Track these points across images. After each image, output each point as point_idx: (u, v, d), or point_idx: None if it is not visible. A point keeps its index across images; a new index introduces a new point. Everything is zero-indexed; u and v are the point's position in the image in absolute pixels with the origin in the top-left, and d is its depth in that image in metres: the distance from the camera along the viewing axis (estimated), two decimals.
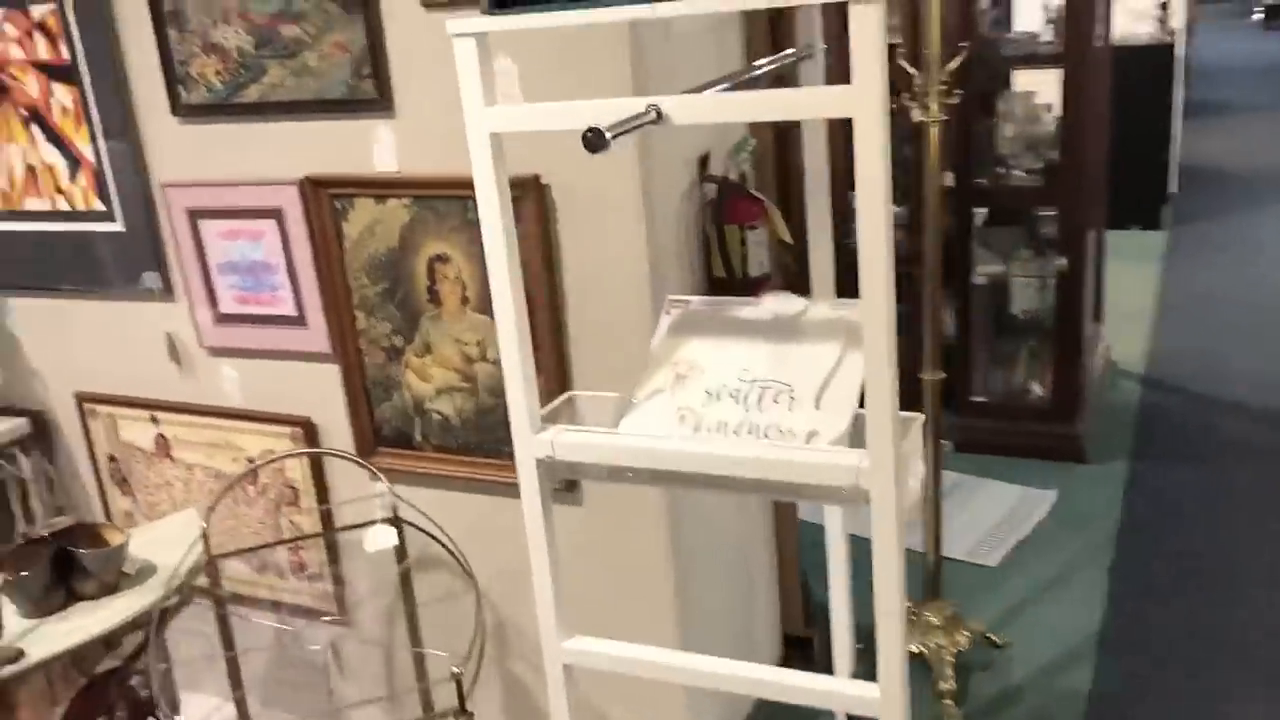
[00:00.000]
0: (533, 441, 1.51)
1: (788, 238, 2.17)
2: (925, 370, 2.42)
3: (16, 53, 2.29)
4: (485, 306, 2.05)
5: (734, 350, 1.57)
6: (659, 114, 1.27)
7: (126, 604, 1.89)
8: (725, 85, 1.44)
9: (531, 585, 1.58)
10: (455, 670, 1.55)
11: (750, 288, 2.13)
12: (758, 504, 2.50)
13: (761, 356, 1.55)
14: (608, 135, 1.17)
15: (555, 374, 2.01)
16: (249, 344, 2.29)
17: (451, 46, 1.34)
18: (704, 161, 2.11)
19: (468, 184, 1.72)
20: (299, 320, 2.22)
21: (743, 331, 1.58)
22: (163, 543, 2.04)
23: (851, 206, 1.23)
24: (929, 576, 2.58)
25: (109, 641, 1.90)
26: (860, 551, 1.60)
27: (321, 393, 2.25)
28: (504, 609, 2.22)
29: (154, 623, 1.86)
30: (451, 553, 2.02)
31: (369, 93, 2.00)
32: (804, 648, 2.65)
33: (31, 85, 2.31)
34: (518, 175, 1.90)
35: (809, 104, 1.23)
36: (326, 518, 2.33)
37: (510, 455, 1.54)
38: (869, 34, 1.15)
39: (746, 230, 2.10)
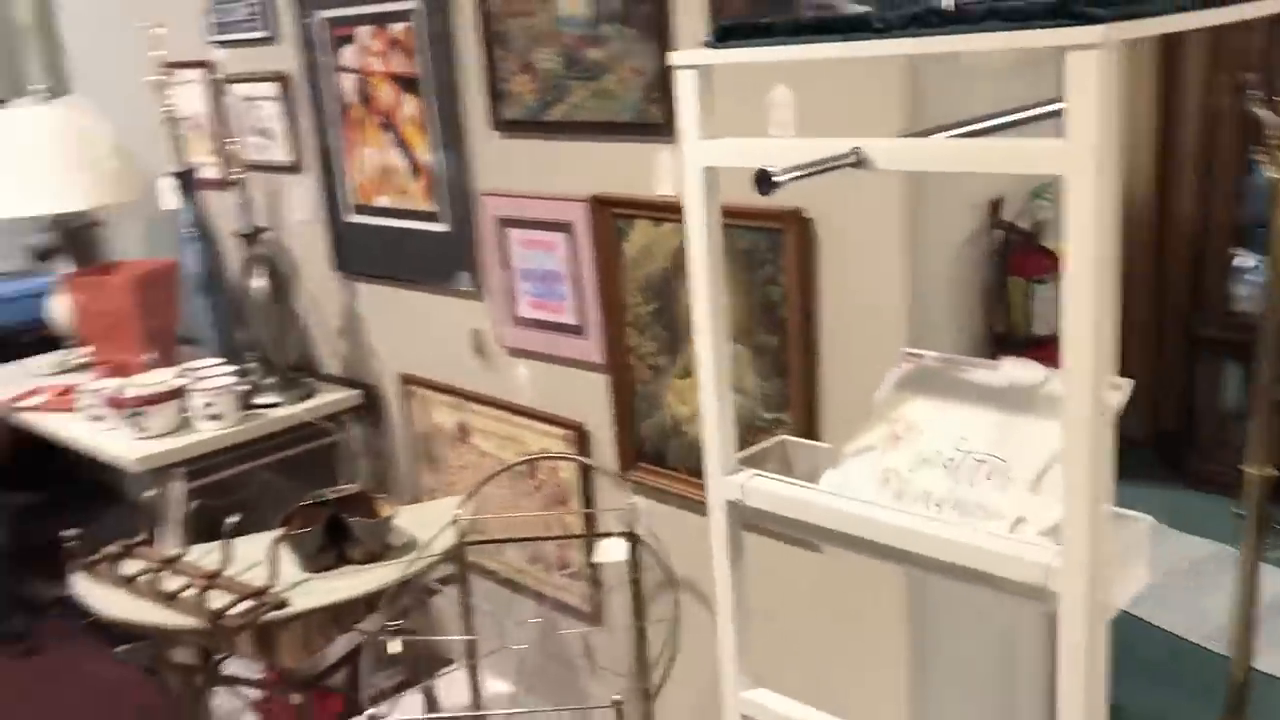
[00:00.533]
0: (723, 483, 1.47)
1: None
2: (1251, 462, 2.09)
3: (378, 65, 2.56)
4: (744, 336, 2.03)
5: (957, 415, 1.44)
6: (860, 158, 1.19)
7: (385, 573, 2.06)
8: (968, 129, 1.33)
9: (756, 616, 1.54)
10: (616, 698, 1.55)
11: (1033, 348, 1.94)
12: None
13: (985, 426, 1.41)
14: (776, 179, 1.11)
15: (803, 412, 1.95)
16: (538, 347, 2.42)
17: (734, 77, 1.33)
18: (996, 206, 1.95)
19: (736, 213, 1.71)
20: (579, 330, 2.31)
21: (973, 396, 1.45)
22: (429, 523, 2.20)
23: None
24: (1234, 692, 2.23)
25: (369, 603, 2.08)
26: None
27: (594, 401, 2.33)
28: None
29: (403, 593, 2.02)
30: (669, 577, 2.02)
31: (656, 117, 2.04)
32: None
33: (387, 95, 2.57)
34: (781, 208, 1.87)
35: (1017, 158, 1.10)
36: (589, 521, 2.41)
37: None
38: (1089, 84, 1.01)
39: (1033, 284, 1.93)
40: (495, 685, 2.86)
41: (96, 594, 2.08)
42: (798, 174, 1.13)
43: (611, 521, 2.12)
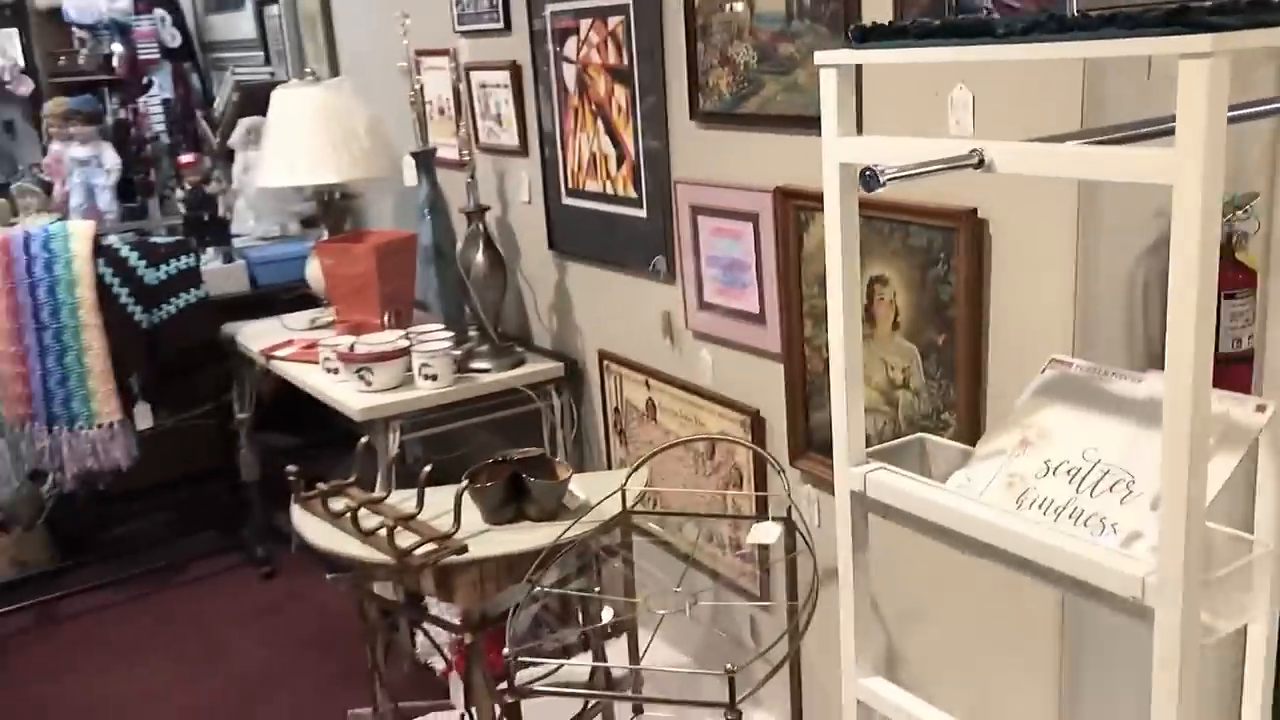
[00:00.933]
0: (849, 473, 1.52)
1: None
2: None
3: (595, 57, 2.71)
4: (914, 333, 2.04)
5: (1090, 425, 1.43)
6: (982, 160, 1.21)
7: (555, 531, 2.21)
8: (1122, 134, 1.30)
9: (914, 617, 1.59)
10: (729, 667, 1.62)
11: (1217, 365, 1.85)
12: None
13: (1117, 438, 1.39)
14: (882, 177, 1.15)
15: (968, 413, 1.95)
16: (721, 332, 2.50)
17: (908, 75, 1.38)
18: None
19: (912, 210, 1.74)
20: (759, 318, 2.38)
21: (1109, 408, 1.43)
22: (606, 490, 2.33)
23: None
24: None
25: (543, 561, 2.24)
26: None
27: (769, 389, 2.39)
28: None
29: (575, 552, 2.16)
30: (813, 561, 2.06)
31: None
32: None
33: (601, 85, 2.72)
34: (956, 207, 1.88)
35: (1126, 165, 1.09)
36: (761, 504, 2.48)
37: None
38: (1199, 94, 1.00)
39: (1223, 299, 1.83)
40: (666, 653, 2.98)
41: (309, 525, 2.34)
42: (904, 174, 1.17)
43: (774, 506, 2.18)
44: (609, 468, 2.99)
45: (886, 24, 1.34)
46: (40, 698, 2.99)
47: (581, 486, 2.35)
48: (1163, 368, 1.12)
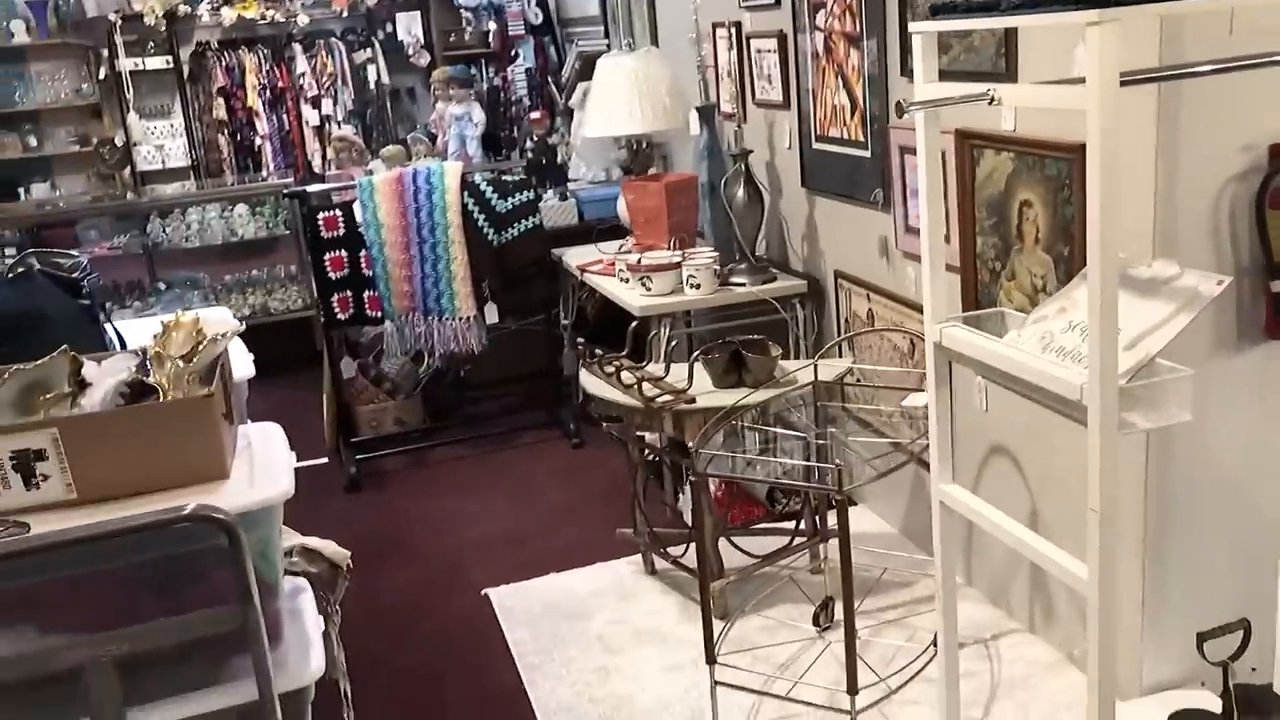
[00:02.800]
0: (932, 329, 2.09)
1: None
2: None
3: (837, 25, 3.32)
4: (1049, 246, 2.53)
5: None
6: (993, 98, 1.77)
7: (764, 395, 2.89)
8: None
9: (1052, 483, 2.16)
10: (838, 462, 2.23)
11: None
12: None
13: (1121, 304, 1.88)
14: (907, 108, 1.74)
15: None
16: (918, 250, 3.05)
17: (1055, 35, 1.88)
18: (1276, 149, 2.23)
19: (1047, 146, 2.26)
20: (945, 237, 2.91)
21: (1126, 284, 1.92)
22: (817, 372, 2.97)
23: None
24: None
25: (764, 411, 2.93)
26: None
27: (949, 295, 2.92)
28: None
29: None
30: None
31: (1001, 67, 2.58)
32: None
33: (840, 49, 3.32)
34: (1074, 142, 2.35)
35: (1064, 97, 1.61)
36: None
37: None
38: (1096, 49, 1.53)
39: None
40: (878, 523, 3.59)
41: (591, 382, 3.16)
42: (925, 106, 1.75)
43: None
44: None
45: (954, 3, 1.90)
46: (411, 509, 4.07)
47: (802, 370, 3.01)
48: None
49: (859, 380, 3.26)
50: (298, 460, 2.05)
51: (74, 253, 2.65)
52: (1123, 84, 1.57)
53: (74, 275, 2.53)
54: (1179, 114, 2.20)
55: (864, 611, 3.00)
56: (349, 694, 2.44)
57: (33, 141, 6.57)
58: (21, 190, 6.53)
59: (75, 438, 1.81)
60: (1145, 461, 2.38)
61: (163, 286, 5.82)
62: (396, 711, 2.86)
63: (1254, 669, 2.18)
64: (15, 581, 1.71)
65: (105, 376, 1.99)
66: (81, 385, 1.97)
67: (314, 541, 2.34)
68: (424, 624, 3.27)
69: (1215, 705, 2.16)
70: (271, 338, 4.61)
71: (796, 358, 3.61)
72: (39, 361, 1.93)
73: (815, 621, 2.96)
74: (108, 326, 2.58)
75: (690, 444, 2.91)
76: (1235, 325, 2.33)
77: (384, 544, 3.80)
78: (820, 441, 2.58)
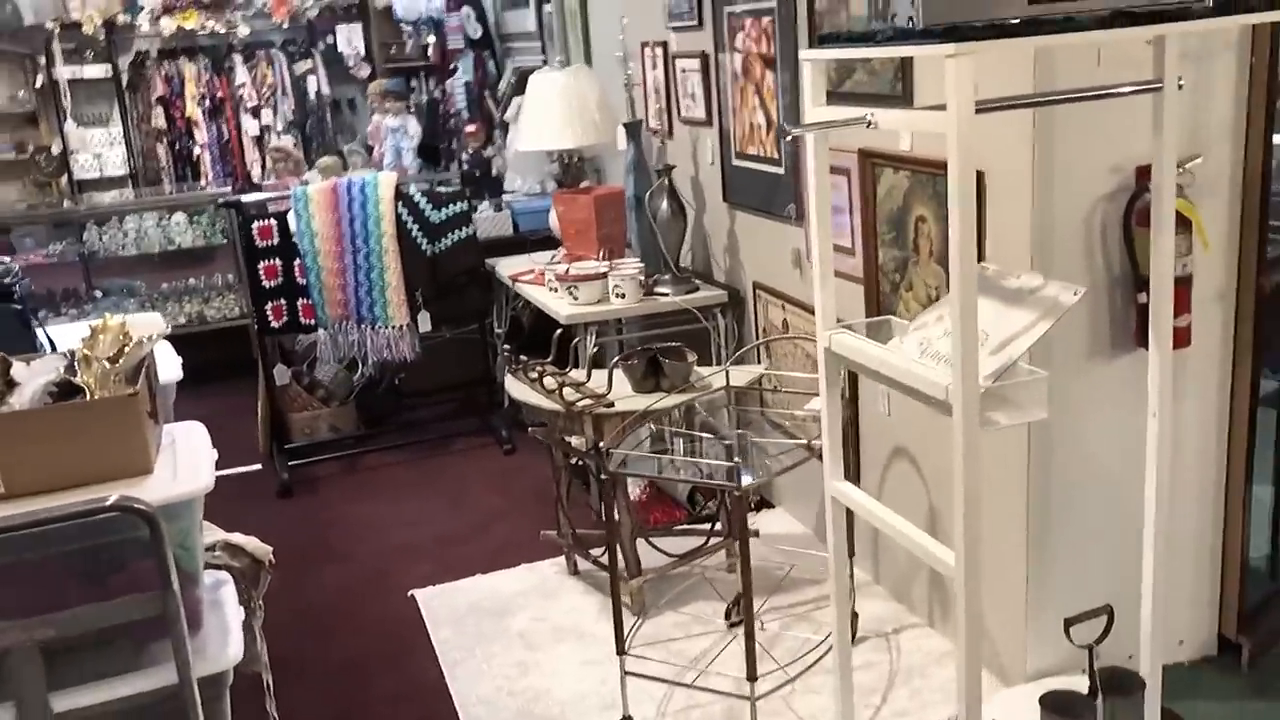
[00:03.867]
0: (822, 335, 2.24)
1: (1206, 246, 2.36)
2: None
3: (754, 48, 3.47)
4: (943, 259, 2.69)
5: (981, 305, 2.08)
6: (869, 122, 1.92)
7: (678, 399, 3.02)
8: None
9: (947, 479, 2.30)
10: (737, 459, 2.37)
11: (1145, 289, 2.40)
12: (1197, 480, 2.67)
13: (989, 312, 2.05)
14: (790, 132, 1.88)
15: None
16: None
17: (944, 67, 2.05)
18: (1144, 171, 2.41)
19: (939, 165, 2.41)
20: (851, 251, 3.08)
21: (995, 294, 2.08)
22: (732, 378, 3.11)
23: None
24: None
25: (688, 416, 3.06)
26: None
27: (852, 306, 3.08)
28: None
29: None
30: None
31: (898, 91, 2.75)
32: (1234, 652, 2.73)
33: (758, 70, 3.48)
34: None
35: (929, 122, 1.76)
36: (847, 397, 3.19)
37: None
38: (954, 79, 1.68)
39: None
40: (793, 524, 3.73)
41: (515, 387, 3.27)
42: (807, 130, 1.89)
43: None
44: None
45: (837, 33, 2.05)
46: (343, 514, 4.15)
47: (716, 375, 3.15)
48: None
49: (776, 387, 3.42)
50: (231, 466, 2.15)
51: (5, 259, 2.73)
52: (978, 111, 1.72)
53: (6, 280, 2.61)
54: (1053, 137, 2.37)
55: (774, 607, 3.15)
56: (270, 685, 2.53)
57: None
58: None
59: (4, 434, 1.89)
60: (1026, 459, 2.55)
61: (99, 294, 5.84)
62: (319, 704, 2.94)
63: (1130, 656, 2.34)
64: None
65: (34, 377, 2.07)
66: (10, 385, 2.05)
67: (237, 538, 2.43)
68: (350, 623, 3.35)
69: (1087, 688, 2.32)
70: (208, 346, 4.70)
71: (718, 364, 3.75)
72: None
73: (727, 616, 3.10)
74: (39, 331, 2.66)
75: (606, 444, 3.04)
76: (1109, 333, 2.51)
77: (314, 548, 3.88)
78: (727, 443, 2.72)
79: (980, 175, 2.51)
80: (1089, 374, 2.52)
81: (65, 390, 2.02)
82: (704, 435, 3.00)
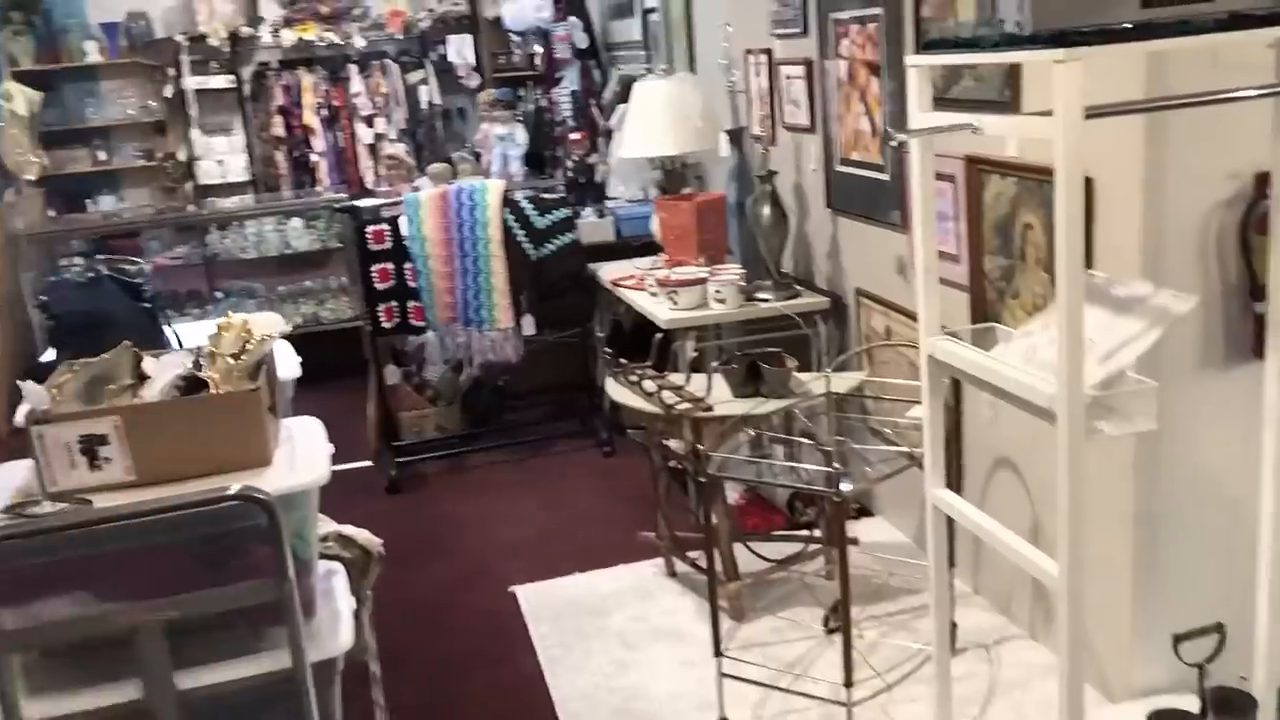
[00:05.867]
0: (925, 342, 2.23)
1: None
2: None
3: (859, 54, 3.47)
4: (1049, 266, 2.65)
5: (1088, 312, 2.05)
6: (974, 128, 1.91)
7: (777, 405, 3.03)
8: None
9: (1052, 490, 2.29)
10: (838, 467, 2.37)
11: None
12: None
13: (1097, 319, 2.02)
14: (894, 139, 1.88)
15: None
16: None
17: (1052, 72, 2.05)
18: (1263, 178, 2.34)
19: (1048, 172, 2.41)
20: (956, 258, 3.05)
21: (1104, 302, 2.05)
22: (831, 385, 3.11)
23: None
24: None
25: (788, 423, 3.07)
26: None
27: (957, 314, 3.05)
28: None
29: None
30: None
31: (1007, 97, 2.72)
32: None
33: (863, 76, 3.47)
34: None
35: (1034, 128, 1.74)
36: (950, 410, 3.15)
37: None
38: (1063, 85, 1.67)
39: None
40: (893, 533, 3.70)
41: (617, 391, 3.32)
42: (912, 136, 1.89)
43: None
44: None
45: (943, 39, 2.04)
46: (447, 510, 4.26)
47: (818, 382, 3.15)
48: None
49: (877, 395, 3.40)
50: (343, 462, 2.23)
51: (138, 260, 2.88)
52: (1088, 117, 1.70)
53: (137, 281, 2.75)
54: (1166, 142, 2.32)
55: (872, 615, 3.13)
56: (378, 675, 2.62)
57: (102, 156, 6.87)
58: (89, 202, 6.84)
59: (135, 425, 2.00)
60: (1133, 471, 2.49)
61: (220, 295, 6.08)
62: (423, 694, 3.03)
63: (1243, 677, 2.27)
64: (77, 551, 1.90)
65: (163, 371, 2.19)
66: (142, 378, 2.17)
67: (349, 529, 2.52)
68: (453, 617, 3.44)
69: (1198, 708, 2.26)
70: (322, 346, 4.84)
71: (818, 371, 3.74)
72: (104, 356, 2.13)
73: (825, 623, 3.09)
74: (166, 328, 2.80)
75: (707, 449, 3.06)
76: (1223, 343, 2.44)
77: (420, 542, 3.98)
78: (827, 449, 2.71)
79: (1089, 181, 2.46)
80: (1202, 385, 2.46)
81: (192, 384, 2.13)
82: (803, 441, 3.00)
